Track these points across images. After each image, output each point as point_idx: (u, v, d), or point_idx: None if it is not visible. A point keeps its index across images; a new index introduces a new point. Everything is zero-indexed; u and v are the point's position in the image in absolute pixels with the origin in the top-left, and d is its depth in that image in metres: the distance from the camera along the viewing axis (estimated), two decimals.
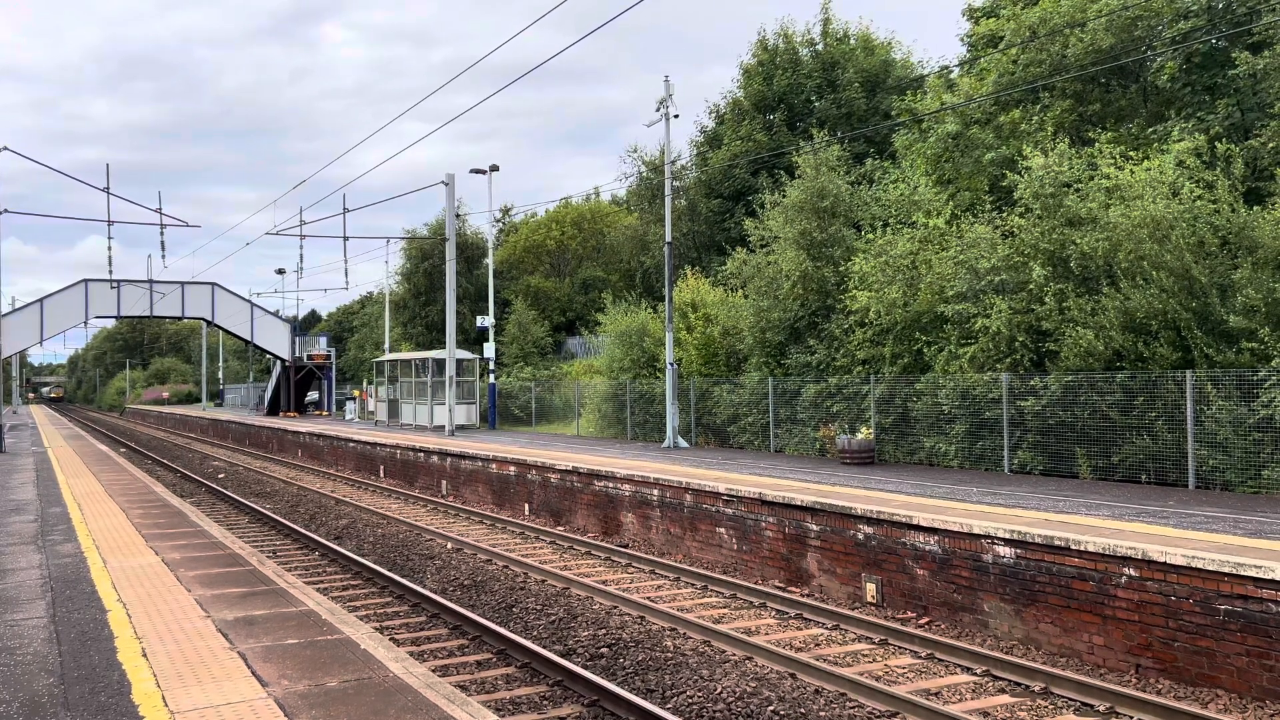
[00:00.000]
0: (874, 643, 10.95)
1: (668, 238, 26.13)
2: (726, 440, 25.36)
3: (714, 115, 42.12)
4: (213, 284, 56.06)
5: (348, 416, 49.46)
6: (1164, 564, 9.41)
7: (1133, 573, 9.67)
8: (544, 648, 10.41)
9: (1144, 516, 11.79)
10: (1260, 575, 8.68)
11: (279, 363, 57.54)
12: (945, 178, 24.35)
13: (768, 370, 23.63)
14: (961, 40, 29.91)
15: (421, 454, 27.43)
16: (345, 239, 33.76)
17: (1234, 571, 8.87)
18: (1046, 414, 16.56)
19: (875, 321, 20.21)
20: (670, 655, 10.44)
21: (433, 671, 7.81)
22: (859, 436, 19.63)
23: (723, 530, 15.43)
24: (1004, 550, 10.96)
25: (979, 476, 16.84)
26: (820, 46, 38.94)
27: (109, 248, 29.97)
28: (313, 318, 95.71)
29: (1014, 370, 17.33)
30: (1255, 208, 16.06)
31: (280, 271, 67.76)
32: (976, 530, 11.26)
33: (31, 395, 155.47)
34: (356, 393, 51.92)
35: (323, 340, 59.69)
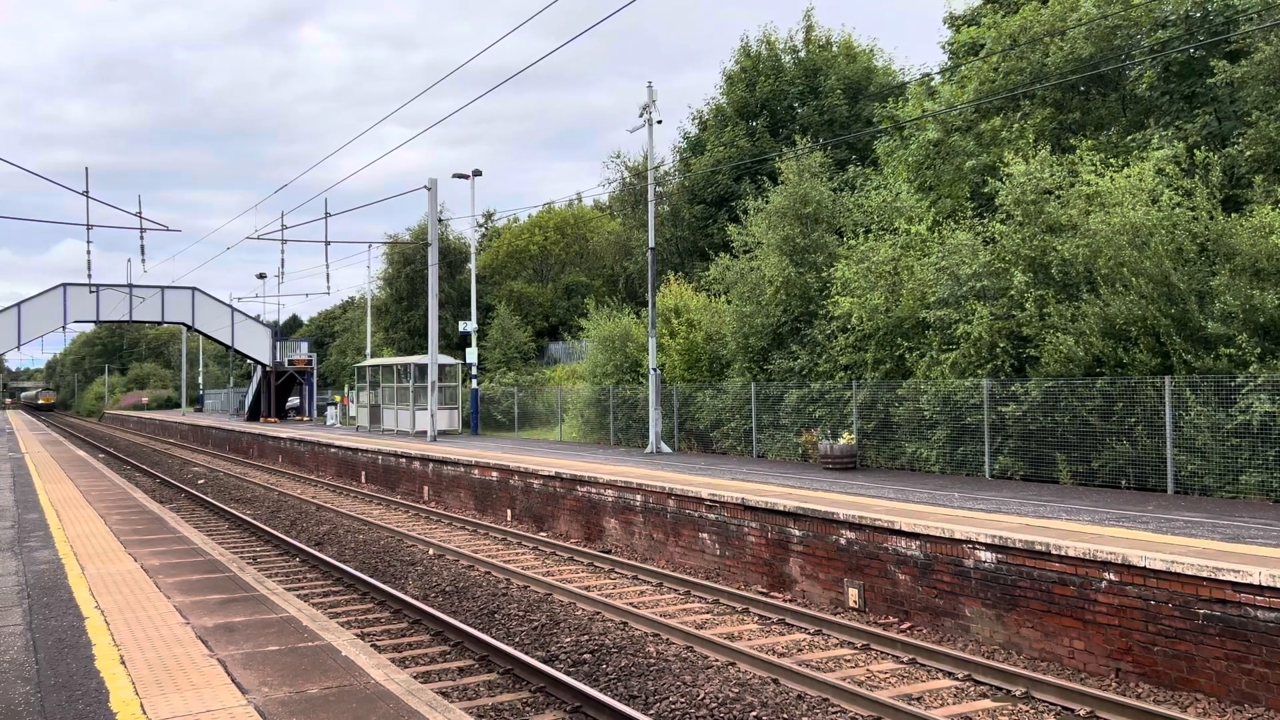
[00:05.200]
0: (856, 648, 10.97)
1: (651, 243, 26.15)
2: (709, 445, 25.38)
3: (697, 121, 42.24)
4: (193, 288, 55.74)
5: (329, 422, 49.24)
6: (1144, 569, 9.47)
7: (1113, 577, 9.73)
8: (526, 654, 10.38)
9: (1124, 521, 11.87)
10: (1238, 580, 8.75)
11: (260, 368, 57.24)
12: (927, 184, 24.47)
13: (750, 375, 23.67)
14: (943, 48, 30.09)
15: (403, 459, 27.32)
16: (327, 243, 33.70)
17: (1212, 576, 8.93)
18: (1027, 420, 16.65)
19: (857, 327, 20.29)
20: (653, 661, 10.42)
21: (414, 678, 7.77)
22: (841, 442, 19.68)
23: (705, 536, 15.43)
24: (985, 555, 11.00)
25: (960, 482, 16.91)
26: (803, 53, 39.11)
27: (88, 252, 29.76)
28: (294, 323, 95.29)
29: (995, 376, 17.42)
30: (1233, 215, 16.21)
31: (261, 276, 67.46)
32: (958, 535, 11.31)
33: (9, 401, 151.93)
34: (338, 398, 51.73)
35: (304, 345, 59.43)
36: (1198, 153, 17.16)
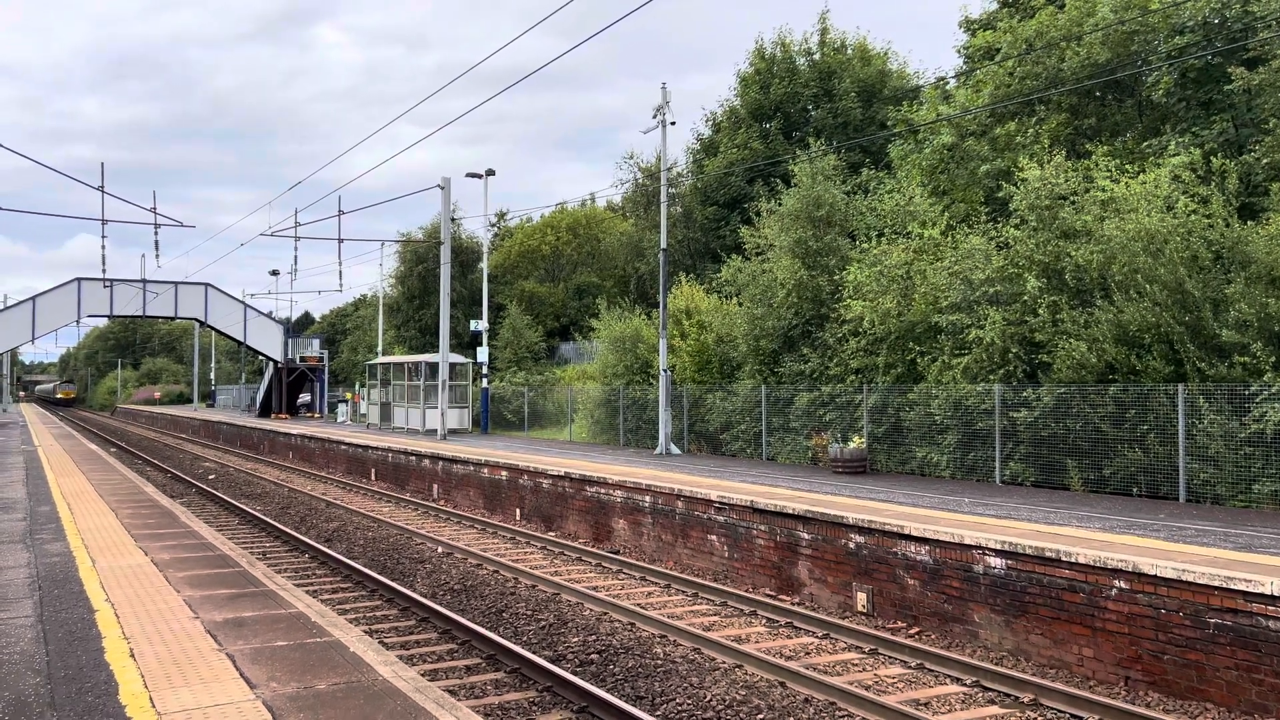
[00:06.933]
0: (864, 652, 10.94)
1: (663, 244, 26.15)
2: (719, 448, 25.35)
3: (710, 123, 42.23)
4: (206, 284, 55.94)
5: (340, 419, 49.35)
6: (1154, 577, 9.43)
7: (1123, 585, 9.68)
8: (534, 653, 10.38)
9: (1135, 529, 11.81)
10: (1250, 589, 8.70)
11: (271, 364, 57.40)
12: (940, 189, 24.41)
13: (761, 378, 23.64)
14: (958, 52, 30.03)
15: (413, 457, 27.37)
16: (340, 241, 33.78)
17: (1224, 585, 8.89)
18: (1039, 426, 16.58)
19: (869, 331, 20.23)
20: (660, 662, 10.42)
21: (422, 675, 7.78)
22: (851, 445, 19.64)
23: (714, 538, 15.41)
24: (995, 561, 10.96)
25: (970, 487, 16.85)
26: (817, 56, 39.06)
27: (103, 246, 29.83)
28: (306, 320, 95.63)
29: (1007, 381, 17.36)
30: (1249, 223, 16.13)
31: (274, 273, 67.89)
32: (968, 541, 11.27)
33: (23, 394, 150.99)
34: (349, 395, 51.82)
35: (315, 342, 59.59)
36: (1214, 160, 17.07)
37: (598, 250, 52.81)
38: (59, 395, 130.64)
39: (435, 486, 25.70)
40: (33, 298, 51.90)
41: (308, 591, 13.02)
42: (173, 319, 60.49)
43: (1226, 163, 16.87)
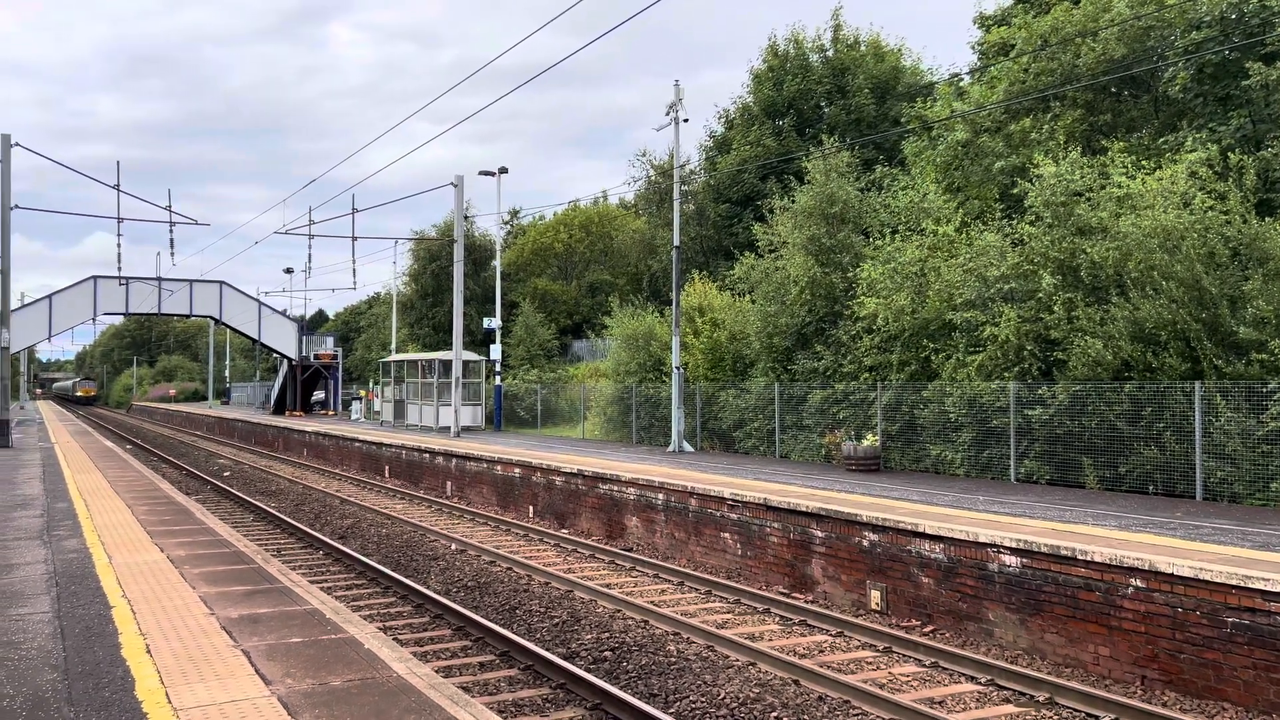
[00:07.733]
0: (878, 650, 10.91)
1: (676, 242, 26.12)
2: (732, 445, 25.33)
3: (723, 120, 42.19)
4: (221, 282, 56.19)
5: (353, 416, 49.51)
6: (1171, 575, 9.37)
7: (1139, 584, 9.63)
8: (547, 650, 10.39)
9: (1151, 527, 11.74)
10: (1268, 588, 8.64)
11: (286, 362, 57.64)
12: (955, 185, 24.32)
13: (774, 376, 23.60)
14: (972, 48, 29.91)
15: (427, 455, 27.43)
16: (354, 239, 33.91)
17: (1242, 584, 8.83)
18: (1054, 423, 16.50)
19: (883, 328, 20.17)
20: (673, 660, 10.41)
21: (436, 672, 7.79)
22: (865, 443, 19.58)
23: (727, 535, 15.40)
24: (1009, 559, 10.91)
25: (985, 485, 16.79)
26: (830, 52, 38.98)
27: (118, 245, 30.05)
28: (320, 317, 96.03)
29: (1021, 379, 17.28)
30: (1267, 219, 16.02)
31: (288, 271, 68.15)
32: (982, 539, 11.22)
33: (40, 391, 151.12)
34: (363, 393, 51.97)
35: (330, 340, 59.81)
36: (1231, 156, 16.95)
37: (610, 248, 52.83)
38: (78, 393, 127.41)
39: (449, 484, 25.75)
40: (49, 295, 52.27)
41: (322, 588, 13.05)
42: (188, 316, 60.85)
43: (1244, 159, 16.74)
